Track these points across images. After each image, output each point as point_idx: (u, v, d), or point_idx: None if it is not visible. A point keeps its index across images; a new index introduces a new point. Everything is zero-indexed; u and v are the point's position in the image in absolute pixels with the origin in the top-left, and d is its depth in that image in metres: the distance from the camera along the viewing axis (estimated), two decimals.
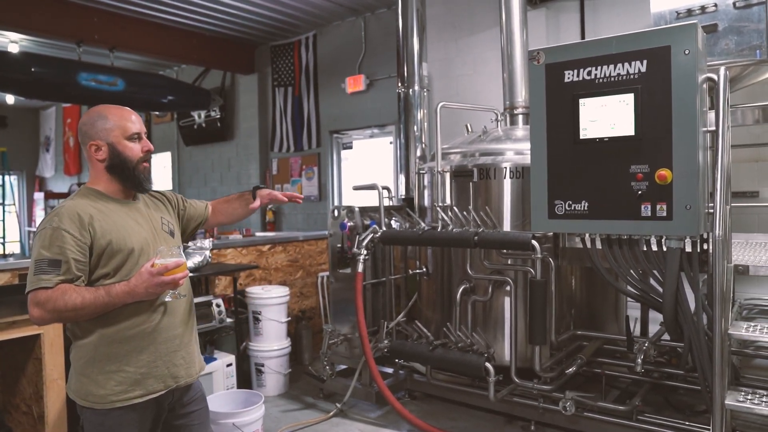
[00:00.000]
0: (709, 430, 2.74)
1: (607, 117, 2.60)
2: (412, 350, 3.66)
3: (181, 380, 2.02)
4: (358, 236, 3.84)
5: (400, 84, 4.91)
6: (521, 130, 3.97)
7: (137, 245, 1.93)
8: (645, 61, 2.51)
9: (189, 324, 2.09)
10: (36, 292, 1.78)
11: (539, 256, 3.14)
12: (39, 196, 11.72)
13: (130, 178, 1.99)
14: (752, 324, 2.61)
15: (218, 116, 8.14)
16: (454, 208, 3.66)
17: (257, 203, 2.36)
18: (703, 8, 3.14)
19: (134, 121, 2.00)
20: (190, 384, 2.07)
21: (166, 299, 1.90)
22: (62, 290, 1.77)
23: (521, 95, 4.15)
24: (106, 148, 1.95)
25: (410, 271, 4.22)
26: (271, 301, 4.31)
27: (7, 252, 11.04)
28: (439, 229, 3.63)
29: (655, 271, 2.67)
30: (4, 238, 11.09)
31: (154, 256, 1.81)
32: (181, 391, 2.06)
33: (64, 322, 1.95)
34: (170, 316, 1.99)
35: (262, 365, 4.28)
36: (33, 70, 6.10)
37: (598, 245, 2.79)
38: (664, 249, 2.60)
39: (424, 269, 4.06)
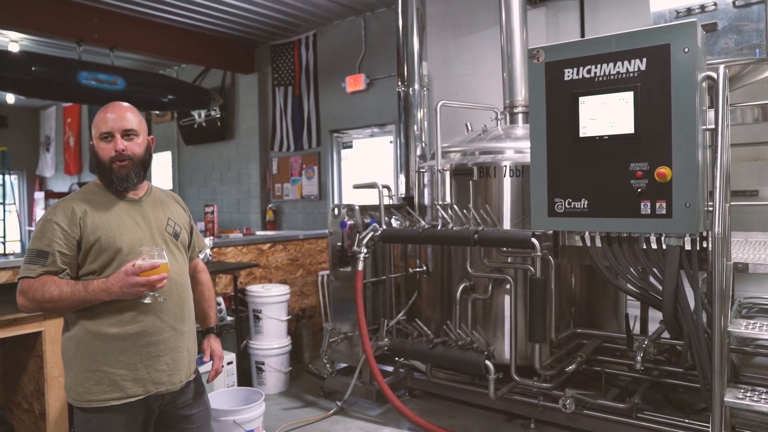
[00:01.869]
0: (708, 428, 2.75)
1: (607, 115, 2.61)
2: (413, 348, 3.67)
3: (162, 387, 1.94)
4: (358, 235, 3.85)
5: (400, 83, 4.92)
6: (521, 128, 3.98)
7: (127, 245, 1.90)
8: (644, 60, 2.52)
9: (180, 329, 2.01)
10: (22, 280, 1.84)
11: (539, 254, 3.15)
12: (39, 195, 11.73)
13: (106, 179, 1.96)
14: (752, 322, 2.62)
15: (218, 116, 8.15)
16: (454, 206, 3.66)
17: (207, 354, 2.28)
18: (702, 7, 3.14)
19: (108, 120, 1.92)
20: (174, 390, 1.99)
21: (146, 301, 1.86)
22: (43, 281, 1.81)
23: (521, 94, 4.16)
24: (92, 148, 1.98)
25: (410, 270, 4.23)
26: (272, 299, 4.32)
27: (7, 251, 11.06)
28: (439, 228, 3.64)
29: (654, 269, 2.67)
30: (4, 237, 11.11)
31: (138, 256, 1.81)
32: (173, 395, 2.01)
33: (45, 312, 2.02)
34: (158, 319, 1.94)
35: (263, 363, 4.29)
36: (33, 69, 6.11)
37: (598, 243, 2.79)
38: (664, 247, 2.60)
39: (424, 268, 4.07)
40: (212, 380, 2.26)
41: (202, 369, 2.22)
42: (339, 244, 4.08)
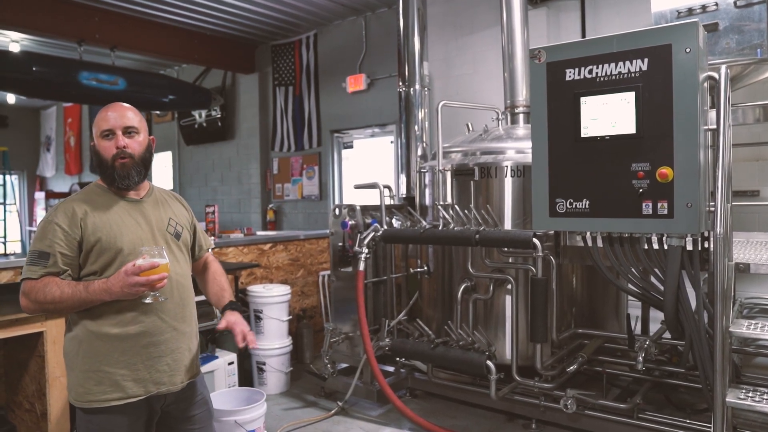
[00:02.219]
0: (710, 428, 2.75)
1: (609, 115, 2.61)
2: (414, 348, 3.67)
3: (162, 387, 1.95)
4: (359, 235, 3.85)
5: (400, 83, 4.92)
6: (522, 128, 3.98)
7: (128, 245, 1.91)
8: (646, 60, 2.52)
9: (182, 329, 2.01)
10: (24, 282, 1.85)
11: (540, 254, 3.15)
12: (40, 195, 11.73)
13: (108, 177, 1.96)
14: (753, 322, 2.61)
15: (219, 116, 8.15)
16: (455, 206, 3.66)
17: (222, 324, 2.10)
18: (703, 7, 3.13)
19: (109, 118, 1.93)
20: (175, 391, 1.99)
21: (146, 301, 1.86)
22: (45, 282, 1.81)
23: (522, 94, 4.16)
24: (93, 148, 1.98)
25: (411, 270, 4.23)
26: (273, 299, 4.32)
27: (8, 251, 11.06)
28: (440, 228, 3.64)
29: (656, 269, 2.67)
30: (5, 237, 11.11)
31: (138, 256, 1.81)
32: (175, 395, 2.01)
33: (47, 313, 2.04)
34: (159, 320, 1.94)
35: (264, 364, 4.29)
36: (34, 69, 6.11)
37: (599, 243, 2.79)
38: (665, 247, 2.60)
39: (426, 268, 4.07)
40: (248, 343, 2.04)
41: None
42: (340, 244, 4.08)
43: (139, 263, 1.77)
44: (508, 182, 3.65)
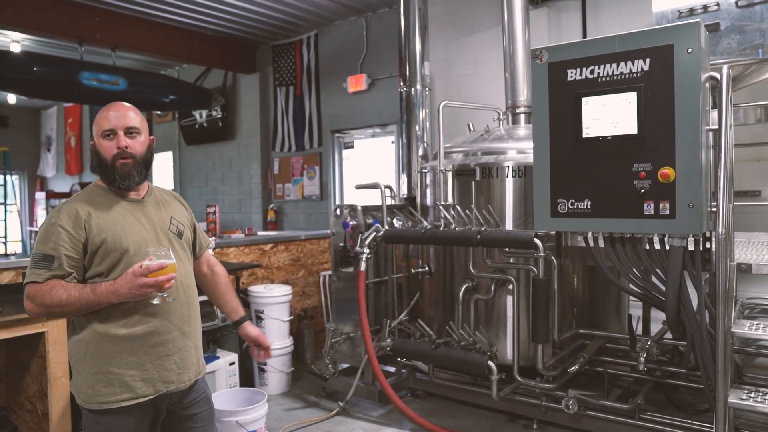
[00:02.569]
0: (711, 428, 2.75)
1: (610, 115, 2.61)
2: (415, 349, 3.67)
3: (171, 386, 1.96)
4: (360, 235, 3.85)
5: (401, 83, 4.92)
6: (523, 129, 3.98)
7: (133, 245, 1.90)
8: (648, 60, 2.51)
9: (187, 329, 2.02)
10: (29, 285, 1.83)
11: (542, 254, 3.15)
12: (40, 195, 11.74)
13: (109, 177, 1.95)
14: (755, 322, 2.61)
15: (219, 116, 8.16)
16: (457, 206, 3.66)
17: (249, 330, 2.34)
18: (705, 7, 3.14)
19: (110, 118, 1.92)
20: (183, 389, 2.02)
21: (154, 302, 1.85)
22: (50, 285, 1.80)
23: (523, 94, 4.16)
24: (92, 147, 1.98)
25: (412, 270, 4.23)
26: (274, 299, 4.32)
27: (8, 252, 11.07)
28: (441, 228, 3.64)
29: (657, 270, 2.67)
30: (5, 237, 11.11)
31: (145, 257, 1.80)
32: (180, 394, 2.01)
33: (53, 316, 2.01)
34: (165, 320, 1.94)
35: (265, 364, 4.28)
36: (35, 69, 6.12)
37: (601, 244, 2.79)
38: (667, 247, 2.60)
39: (427, 268, 4.07)
40: (267, 357, 2.39)
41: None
42: (341, 244, 4.08)
43: (146, 264, 1.76)
44: (510, 182, 3.65)
